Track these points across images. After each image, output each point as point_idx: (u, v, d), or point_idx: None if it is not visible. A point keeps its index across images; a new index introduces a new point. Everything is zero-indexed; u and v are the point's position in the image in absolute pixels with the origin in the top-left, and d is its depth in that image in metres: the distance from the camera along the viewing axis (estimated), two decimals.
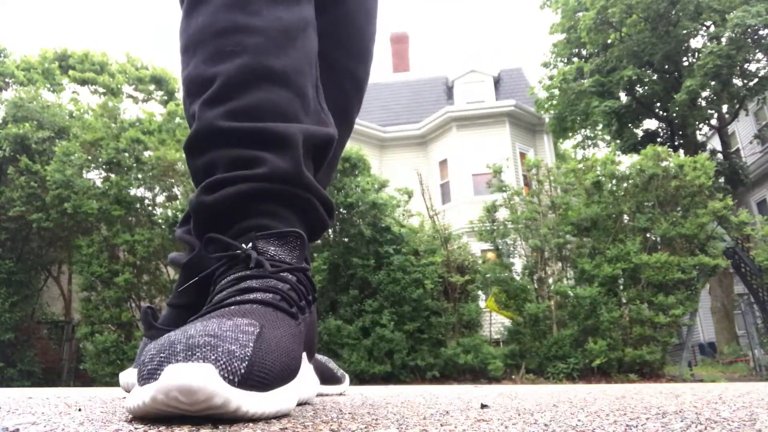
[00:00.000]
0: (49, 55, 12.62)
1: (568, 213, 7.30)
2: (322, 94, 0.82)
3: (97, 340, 7.24)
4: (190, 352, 0.44)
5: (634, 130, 13.92)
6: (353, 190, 7.24)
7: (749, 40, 11.55)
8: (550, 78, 13.78)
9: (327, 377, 1.10)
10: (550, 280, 7.23)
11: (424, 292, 6.89)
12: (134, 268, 7.81)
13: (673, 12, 12.15)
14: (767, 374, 8.56)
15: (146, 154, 8.28)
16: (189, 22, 0.75)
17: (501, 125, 13.41)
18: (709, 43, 11.98)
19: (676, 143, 12.91)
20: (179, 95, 13.25)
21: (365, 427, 0.42)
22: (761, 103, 12.97)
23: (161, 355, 0.45)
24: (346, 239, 7.30)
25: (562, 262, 7.42)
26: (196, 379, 0.41)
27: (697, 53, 12.65)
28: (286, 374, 0.51)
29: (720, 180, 11.65)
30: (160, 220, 8.08)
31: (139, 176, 8.21)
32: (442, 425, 0.43)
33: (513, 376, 6.54)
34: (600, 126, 14.22)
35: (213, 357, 0.44)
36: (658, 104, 13.31)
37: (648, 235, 7.17)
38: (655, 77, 13.04)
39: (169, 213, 7.98)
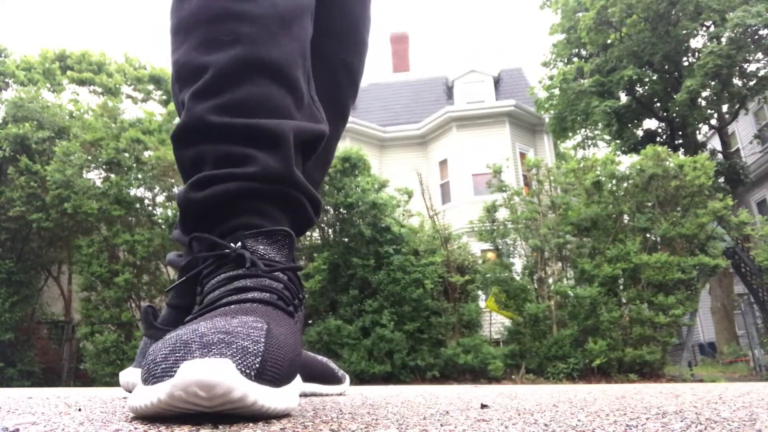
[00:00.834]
0: (50, 56, 12.62)
1: (568, 213, 7.30)
2: (314, 87, 0.80)
3: (97, 340, 7.24)
4: (206, 350, 0.44)
5: (634, 130, 13.93)
6: (353, 190, 7.24)
7: (749, 39, 11.55)
8: (550, 78, 13.79)
9: (327, 377, 1.10)
10: (550, 280, 7.23)
11: (424, 292, 6.90)
12: (134, 268, 7.81)
13: (673, 12, 12.16)
14: (767, 374, 8.56)
15: (146, 154, 8.28)
16: (182, 3, 0.73)
17: (501, 125, 13.42)
18: (709, 43, 11.98)
19: (676, 143, 12.91)
20: None
21: (365, 427, 0.42)
22: (761, 103, 12.97)
23: (176, 354, 0.45)
24: (346, 239, 7.30)
25: (562, 262, 7.42)
26: (215, 373, 0.41)
27: (697, 53, 12.65)
28: (292, 371, 0.51)
29: (720, 180, 11.65)
30: (160, 220, 8.08)
31: (139, 176, 8.21)
32: (442, 425, 0.43)
33: (513, 376, 6.54)
34: (600, 126, 14.22)
35: (229, 353, 0.44)
36: (658, 104, 13.32)
37: (648, 235, 7.17)
38: (655, 77, 13.05)
39: (169, 213, 7.98)
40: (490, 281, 7.16)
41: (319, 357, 1.14)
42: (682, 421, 0.45)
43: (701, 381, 6.60)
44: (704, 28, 12.65)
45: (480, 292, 7.71)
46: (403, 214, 7.80)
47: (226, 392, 0.41)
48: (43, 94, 10.42)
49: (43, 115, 9.36)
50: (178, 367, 0.43)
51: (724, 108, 13.15)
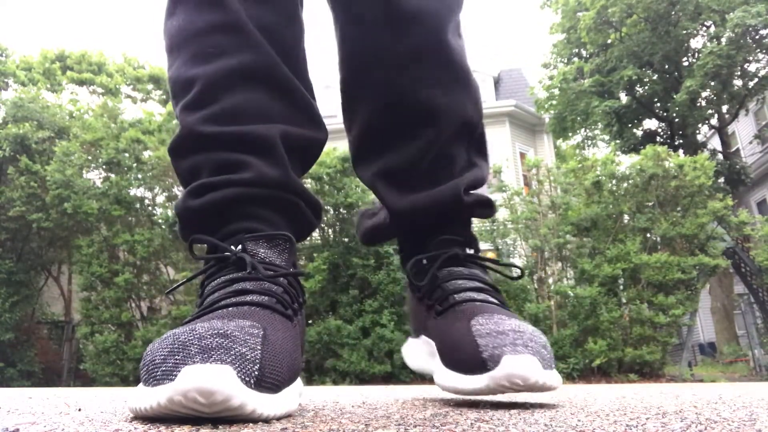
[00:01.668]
0: (49, 56, 12.63)
1: (568, 213, 7.30)
2: (312, 89, 0.79)
3: (97, 340, 7.24)
4: (206, 355, 0.45)
5: (634, 130, 13.93)
6: (353, 190, 7.24)
7: (749, 39, 11.55)
8: (550, 78, 13.79)
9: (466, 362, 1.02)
10: (550, 280, 7.24)
11: None
12: (134, 268, 7.81)
13: (673, 12, 12.16)
14: (767, 374, 8.56)
15: (146, 154, 8.28)
16: (170, 22, 0.75)
17: (501, 125, 13.42)
18: (709, 43, 11.98)
19: (676, 143, 12.91)
20: None
21: (365, 427, 0.42)
22: (761, 103, 12.97)
23: (175, 357, 0.46)
24: (346, 239, 7.31)
25: (562, 262, 7.42)
26: (216, 381, 0.41)
27: (697, 53, 12.65)
28: (291, 375, 0.52)
29: (720, 180, 11.65)
30: (160, 220, 8.08)
31: (139, 176, 8.21)
32: (442, 425, 0.43)
33: None
34: (600, 126, 14.22)
35: (228, 359, 0.45)
36: (658, 104, 13.32)
37: (648, 235, 7.17)
38: (655, 77, 13.05)
39: (169, 213, 7.98)
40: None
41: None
42: (682, 421, 0.45)
43: (701, 381, 6.60)
44: (704, 29, 12.65)
45: None
46: None
47: (225, 399, 0.41)
48: (43, 95, 10.43)
49: (43, 115, 9.36)
50: (179, 371, 0.43)
51: (724, 108, 13.14)
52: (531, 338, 0.61)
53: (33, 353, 8.73)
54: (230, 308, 0.55)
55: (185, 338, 0.46)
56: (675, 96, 11.94)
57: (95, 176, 8.70)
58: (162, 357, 0.47)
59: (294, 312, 0.60)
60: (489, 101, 14.51)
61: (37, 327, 9.39)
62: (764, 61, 12.16)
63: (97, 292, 7.70)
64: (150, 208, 8.53)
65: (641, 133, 13.91)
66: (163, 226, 7.91)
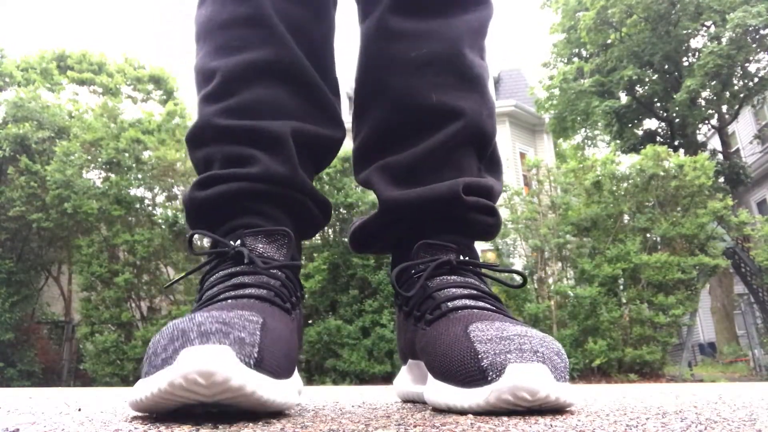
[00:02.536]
0: (47, 56, 12.62)
1: (568, 213, 7.30)
2: (337, 87, 0.79)
3: (97, 340, 7.24)
4: (204, 338, 0.44)
5: (634, 130, 13.93)
6: (353, 190, 7.24)
7: (749, 39, 11.55)
8: (550, 78, 13.79)
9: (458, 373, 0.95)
10: (550, 280, 7.24)
11: None
12: (134, 268, 7.81)
13: (674, 12, 12.16)
14: (767, 374, 8.56)
15: (146, 154, 8.28)
16: (200, 11, 0.76)
17: (501, 125, 13.42)
18: (709, 43, 11.98)
19: (676, 143, 12.92)
20: (178, 94, 13.26)
21: (365, 427, 0.42)
22: (761, 103, 12.97)
23: (174, 343, 0.45)
24: (346, 239, 7.30)
25: (562, 262, 7.42)
26: (215, 360, 0.41)
27: (697, 53, 12.65)
28: (289, 365, 0.52)
29: (720, 180, 11.65)
30: (160, 220, 8.08)
31: (139, 176, 8.22)
32: (442, 425, 0.43)
33: None
34: (600, 126, 14.23)
35: (227, 342, 0.44)
36: (658, 104, 13.32)
37: (648, 235, 7.17)
38: (655, 77, 13.05)
39: (169, 213, 7.98)
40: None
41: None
42: (682, 421, 0.45)
43: (701, 381, 6.61)
44: (704, 29, 12.65)
45: None
46: None
47: (225, 380, 0.40)
48: (42, 95, 10.43)
49: (43, 115, 9.36)
50: (178, 355, 0.43)
51: (724, 108, 13.15)
52: (542, 343, 0.52)
53: (33, 353, 8.73)
54: (229, 300, 0.55)
55: (184, 326, 0.46)
56: (675, 96, 11.94)
57: (95, 176, 8.71)
58: (162, 346, 0.46)
59: (292, 305, 0.60)
60: None
61: (37, 327, 9.39)
62: (764, 61, 12.17)
63: (97, 292, 7.70)
64: (150, 208, 8.53)
65: (641, 133, 13.92)
66: (163, 226, 7.91)
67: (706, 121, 13.46)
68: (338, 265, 7.18)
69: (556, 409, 0.51)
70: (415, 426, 0.43)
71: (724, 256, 7.27)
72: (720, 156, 12.95)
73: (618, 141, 13.88)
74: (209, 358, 0.41)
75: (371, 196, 7.13)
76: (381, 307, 6.82)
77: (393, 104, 0.75)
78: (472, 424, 0.43)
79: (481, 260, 0.73)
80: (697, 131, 13.53)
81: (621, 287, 6.98)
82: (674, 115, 12.70)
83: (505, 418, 0.46)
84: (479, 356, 0.51)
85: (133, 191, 8.24)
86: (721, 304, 11.50)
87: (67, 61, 12.94)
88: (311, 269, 6.99)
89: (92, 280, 7.68)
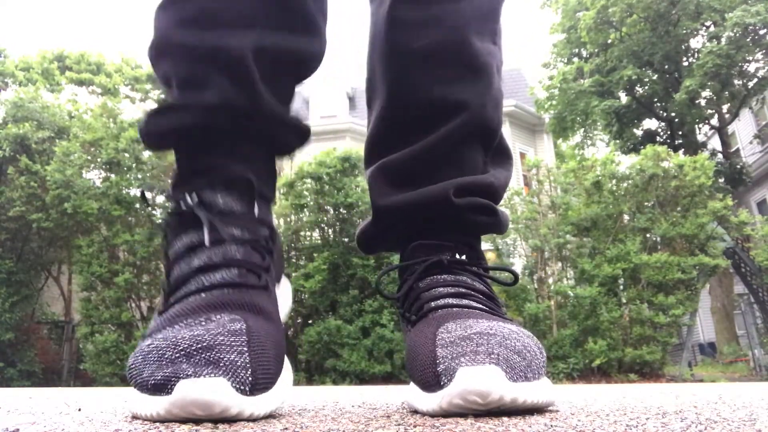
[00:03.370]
0: (48, 56, 12.63)
1: (568, 213, 7.30)
2: None
3: (97, 340, 7.24)
4: (198, 369, 0.44)
5: (634, 130, 13.93)
6: (353, 190, 7.24)
7: (749, 39, 11.55)
8: (550, 78, 13.79)
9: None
10: (550, 280, 7.24)
11: None
12: (134, 268, 7.81)
13: (674, 12, 12.16)
14: (767, 374, 8.56)
15: (146, 154, 8.28)
16: None
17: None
18: (708, 43, 11.98)
19: (676, 143, 12.92)
20: None
21: (365, 427, 0.42)
22: (761, 103, 12.97)
23: (165, 370, 0.45)
24: (346, 239, 7.30)
25: (562, 262, 7.42)
26: (212, 393, 0.42)
27: (697, 53, 12.65)
28: (279, 364, 0.52)
29: (720, 180, 11.65)
30: (160, 220, 8.07)
31: (139, 176, 8.21)
32: (442, 425, 0.43)
33: None
34: (600, 126, 14.23)
35: (221, 372, 0.44)
36: (658, 104, 13.32)
37: (648, 235, 7.17)
38: (655, 77, 13.05)
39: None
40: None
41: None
42: (682, 421, 0.45)
43: (701, 381, 6.61)
44: (704, 28, 12.65)
45: None
46: None
47: (223, 410, 0.42)
48: (42, 95, 10.43)
49: (42, 115, 9.36)
50: (172, 384, 0.43)
51: (724, 108, 13.15)
52: (501, 342, 0.50)
53: (33, 353, 8.73)
54: (202, 294, 0.53)
55: (171, 354, 0.46)
56: (675, 96, 11.94)
57: (95, 176, 8.70)
58: (150, 371, 0.46)
59: (268, 278, 0.58)
60: None
61: (37, 327, 9.39)
62: (763, 61, 12.16)
63: (97, 292, 7.70)
64: (150, 208, 8.53)
65: (641, 133, 13.92)
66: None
67: (706, 121, 13.46)
68: (338, 265, 7.18)
69: (536, 410, 0.50)
70: (415, 426, 0.43)
71: (724, 256, 7.27)
72: (720, 156, 12.95)
73: (618, 141, 13.88)
74: (206, 391, 0.42)
75: None
76: (381, 307, 6.82)
77: (395, 99, 0.71)
78: (472, 424, 0.43)
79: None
80: (697, 131, 13.52)
81: (621, 287, 6.98)
82: (674, 115, 12.70)
83: (505, 419, 0.46)
84: (437, 361, 0.50)
85: (133, 191, 8.24)
86: (721, 304, 11.50)
87: (65, 62, 12.94)
88: (311, 269, 6.99)
89: (92, 280, 7.68)
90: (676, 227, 6.88)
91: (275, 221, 0.67)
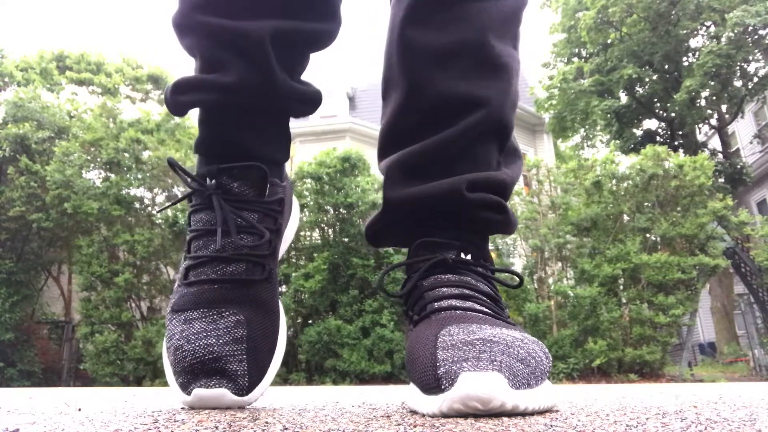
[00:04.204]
0: (47, 56, 12.62)
1: (568, 213, 7.30)
2: None
3: (97, 340, 7.24)
4: (206, 380, 0.59)
5: (634, 130, 13.93)
6: (353, 190, 7.24)
7: (749, 39, 11.55)
8: (550, 78, 13.79)
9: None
10: (550, 280, 7.24)
11: None
12: (134, 268, 7.81)
13: (674, 12, 12.16)
14: (767, 374, 8.56)
15: (146, 154, 8.28)
16: None
17: None
18: (708, 43, 11.98)
19: (676, 143, 12.92)
20: None
21: (365, 427, 0.42)
22: (761, 102, 12.96)
23: (180, 378, 0.61)
24: (346, 239, 7.30)
25: (562, 262, 7.42)
26: (218, 400, 0.59)
27: (697, 53, 12.65)
28: (269, 355, 0.64)
29: (720, 180, 11.65)
30: (160, 220, 8.08)
31: (139, 176, 8.22)
32: (442, 425, 0.43)
33: None
34: (600, 126, 14.23)
35: (224, 383, 0.59)
36: (658, 104, 13.32)
37: (648, 235, 7.18)
38: (655, 77, 13.05)
39: (169, 213, 7.98)
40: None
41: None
42: (682, 421, 0.45)
43: (701, 381, 6.61)
44: (704, 28, 12.65)
45: None
46: None
47: (227, 407, 0.58)
48: (42, 95, 10.43)
49: (42, 115, 9.36)
50: (190, 390, 0.58)
51: (724, 108, 13.15)
52: (505, 350, 0.50)
53: (33, 353, 8.73)
54: (216, 286, 0.63)
55: (189, 362, 0.59)
56: (675, 96, 11.94)
57: (95, 176, 8.71)
58: (177, 370, 0.60)
59: (271, 266, 0.67)
60: None
61: (37, 327, 9.39)
62: (763, 61, 12.16)
63: (97, 292, 7.70)
64: (150, 208, 8.53)
65: (641, 133, 13.92)
66: (163, 226, 7.91)
67: (706, 121, 13.46)
68: (338, 265, 7.18)
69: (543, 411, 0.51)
70: (415, 426, 0.43)
71: (724, 256, 7.27)
72: (720, 156, 12.95)
73: (618, 141, 13.88)
74: (213, 399, 0.58)
75: (371, 197, 7.13)
76: (381, 307, 6.82)
77: (415, 92, 0.71)
78: (471, 424, 0.43)
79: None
80: (697, 131, 13.52)
81: (621, 287, 6.98)
82: (674, 115, 12.70)
83: (505, 419, 0.46)
84: (438, 364, 0.50)
85: (133, 191, 8.24)
86: (721, 304, 11.50)
87: (65, 62, 12.93)
88: (311, 269, 6.99)
89: (92, 280, 7.68)
90: (676, 227, 6.88)
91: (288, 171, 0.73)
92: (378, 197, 7.19)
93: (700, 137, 13.92)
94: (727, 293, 11.51)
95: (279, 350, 0.66)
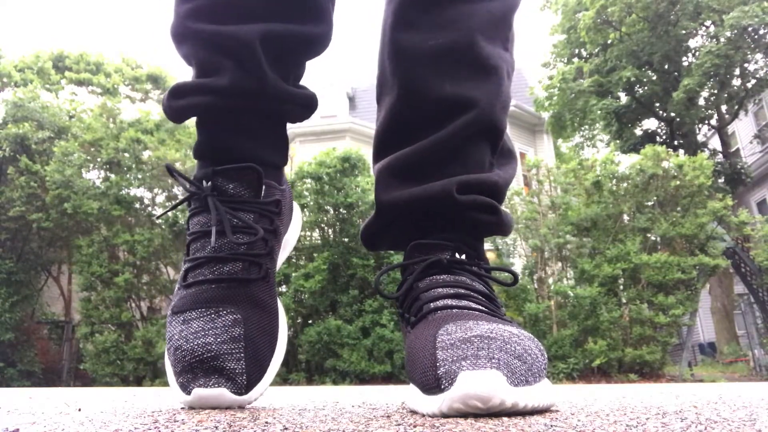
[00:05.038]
0: (43, 56, 12.61)
1: (568, 213, 7.30)
2: None
3: (97, 340, 7.25)
4: (206, 379, 0.59)
5: (634, 130, 13.93)
6: (353, 190, 7.24)
7: (748, 39, 11.55)
8: (550, 78, 13.79)
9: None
10: (550, 280, 7.24)
11: None
12: (134, 268, 7.81)
13: (673, 12, 12.16)
14: (767, 374, 8.57)
15: (146, 154, 8.28)
16: None
17: None
18: (707, 43, 11.98)
19: (676, 143, 12.91)
20: None
21: (365, 427, 0.42)
22: (761, 102, 12.97)
23: (181, 377, 0.61)
24: (346, 239, 7.31)
25: (562, 262, 7.42)
26: (217, 400, 0.59)
27: (696, 53, 12.66)
28: (269, 350, 0.64)
29: (720, 180, 11.65)
30: (160, 220, 8.08)
31: (139, 176, 8.22)
32: (442, 425, 0.43)
33: None
34: (599, 126, 14.23)
35: (223, 382, 0.59)
36: (658, 104, 13.32)
37: (648, 235, 7.18)
38: (654, 77, 13.05)
39: (169, 213, 7.98)
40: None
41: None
42: (682, 421, 0.45)
43: (701, 381, 6.61)
44: (704, 28, 12.65)
45: None
46: None
47: (227, 406, 0.58)
48: (41, 95, 10.43)
49: (42, 115, 9.36)
50: (189, 390, 0.59)
51: (724, 108, 13.15)
52: (502, 347, 0.50)
53: (33, 353, 8.73)
54: (213, 286, 0.63)
55: (188, 361, 0.60)
56: (674, 95, 11.94)
57: (95, 176, 8.71)
58: (177, 370, 0.61)
59: (268, 266, 0.67)
60: None
61: (37, 327, 9.39)
62: (762, 61, 12.16)
63: (97, 292, 7.70)
64: (150, 208, 8.53)
65: (641, 133, 13.91)
66: (163, 226, 7.91)
67: (706, 121, 13.46)
68: (338, 265, 7.18)
69: (536, 411, 0.50)
70: (415, 426, 0.43)
71: (724, 256, 7.28)
72: (720, 156, 12.95)
73: (617, 141, 13.88)
74: (212, 398, 0.58)
75: (371, 197, 7.13)
76: (381, 307, 6.82)
77: (406, 95, 0.72)
78: (471, 424, 0.43)
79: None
80: (697, 131, 13.52)
81: (621, 287, 6.98)
82: (673, 115, 12.70)
83: (505, 419, 0.46)
84: (437, 364, 0.50)
85: (133, 191, 8.24)
86: (721, 304, 11.50)
87: (65, 62, 12.93)
88: (311, 269, 6.99)
89: (92, 280, 7.68)
90: (676, 227, 6.88)
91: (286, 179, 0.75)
92: None
93: (700, 137, 13.91)
94: (727, 293, 11.51)
95: (279, 350, 0.67)
